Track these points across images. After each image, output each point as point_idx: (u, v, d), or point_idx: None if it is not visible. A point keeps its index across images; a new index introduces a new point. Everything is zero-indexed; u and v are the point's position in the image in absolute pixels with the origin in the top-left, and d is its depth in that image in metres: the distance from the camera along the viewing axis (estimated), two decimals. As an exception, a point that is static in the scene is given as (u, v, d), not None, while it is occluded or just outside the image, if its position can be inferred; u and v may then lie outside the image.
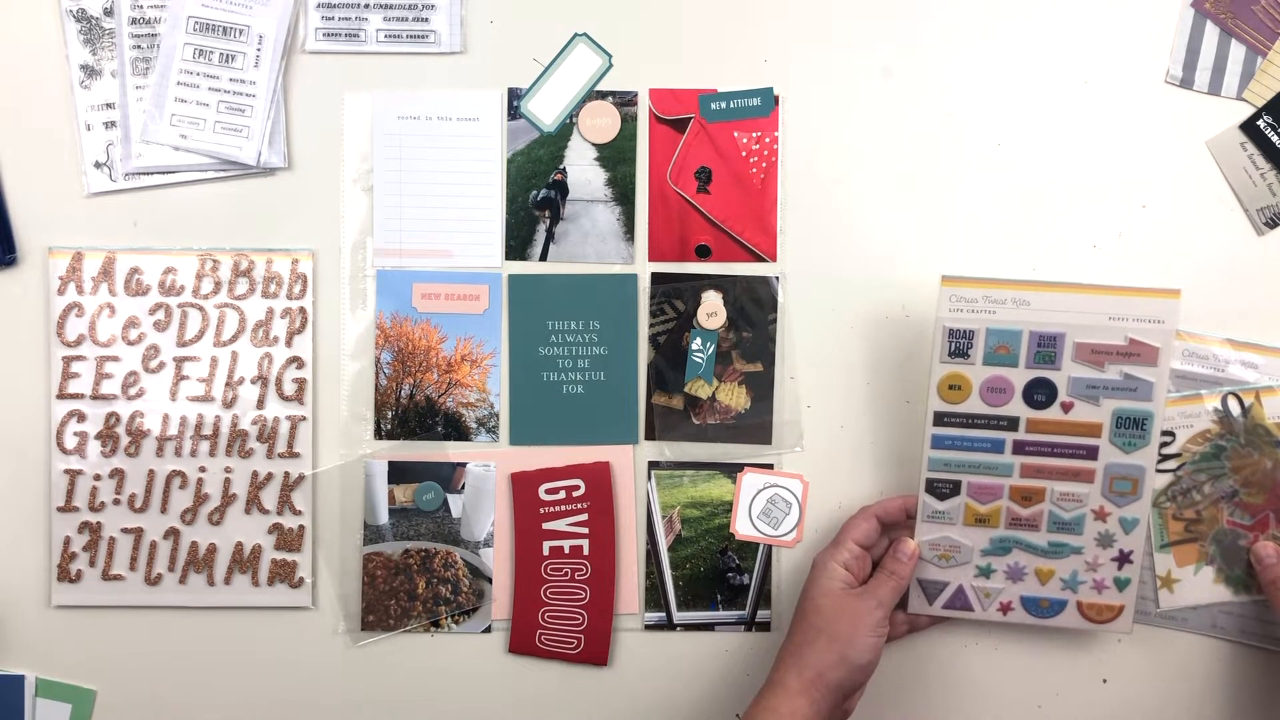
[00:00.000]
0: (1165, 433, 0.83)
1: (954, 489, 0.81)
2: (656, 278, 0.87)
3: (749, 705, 0.77)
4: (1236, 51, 0.85)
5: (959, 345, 0.79)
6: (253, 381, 0.86)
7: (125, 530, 0.86)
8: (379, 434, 0.87)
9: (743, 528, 0.88)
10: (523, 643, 0.87)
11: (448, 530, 0.87)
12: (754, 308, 0.87)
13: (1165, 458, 0.84)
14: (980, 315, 0.79)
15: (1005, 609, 0.82)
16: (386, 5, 0.85)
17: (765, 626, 0.88)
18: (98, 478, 0.86)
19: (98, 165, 0.85)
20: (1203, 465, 0.83)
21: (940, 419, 0.80)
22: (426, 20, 0.85)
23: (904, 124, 0.86)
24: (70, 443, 0.85)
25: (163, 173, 0.85)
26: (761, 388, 0.87)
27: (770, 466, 0.88)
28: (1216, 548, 0.84)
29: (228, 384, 0.86)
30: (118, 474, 0.86)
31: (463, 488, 0.87)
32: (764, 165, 0.86)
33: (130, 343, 0.85)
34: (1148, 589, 0.85)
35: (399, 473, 0.87)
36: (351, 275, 0.86)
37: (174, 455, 0.86)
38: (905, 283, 0.86)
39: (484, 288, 0.86)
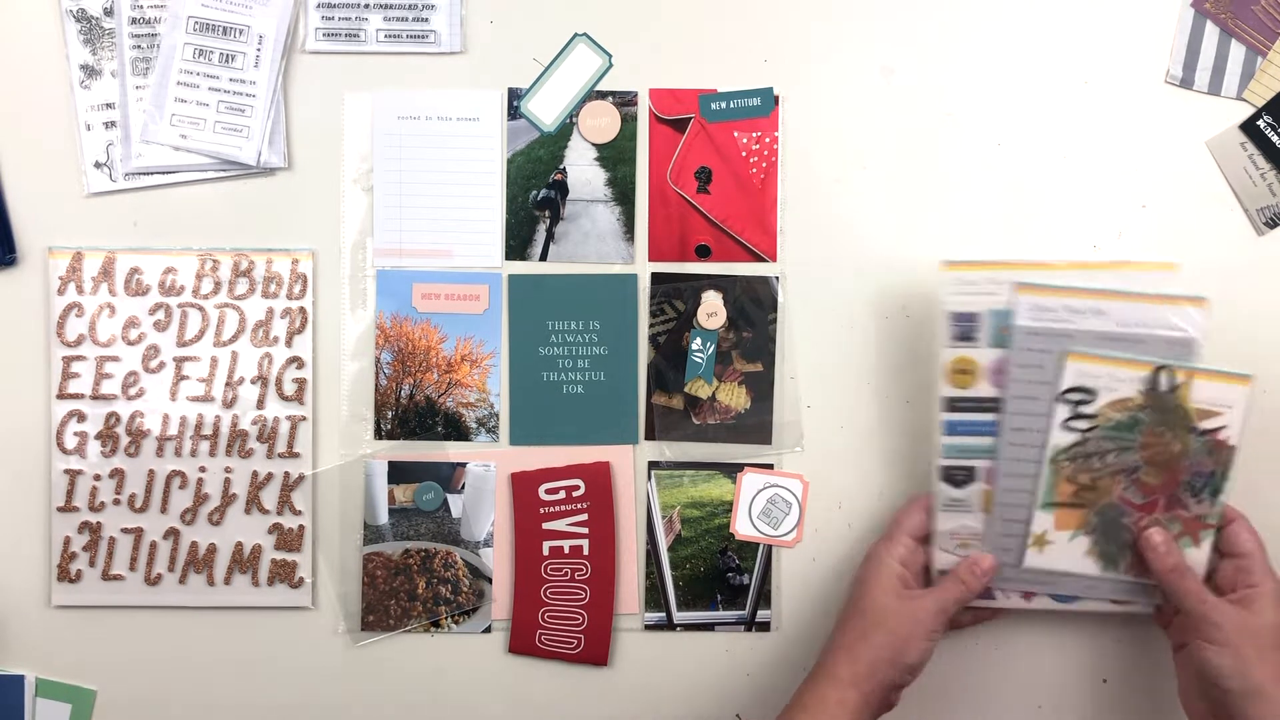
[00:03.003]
0: (1086, 390, 0.80)
1: (969, 475, 0.81)
2: (656, 278, 0.87)
3: (796, 691, 0.77)
4: (1236, 51, 0.85)
5: (964, 329, 0.79)
6: (253, 381, 0.86)
7: (125, 530, 0.86)
8: (379, 434, 0.87)
9: (743, 528, 0.88)
10: (523, 643, 0.87)
11: (448, 530, 0.87)
12: (754, 308, 0.87)
13: (1079, 416, 0.80)
14: (983, 298, 0.79)
15: (1028, 595, 0.82)
16: (386, 5, 0.85)
17: (765, 626, 0.88)
18: (98, 478, 0.86)
19: (98, 165, 0.85)
20: (1114, 434, 0.80)
21: (951, 404, 0.80)
22: (426, 20, 0.85)
23: (904, 124, 0.86)
24: (70, 443, 0.85)
25: (163, 173, 0.85)
26: (761, 388, 0.87)
27: (770, 466, 0.88)
28: (1099, 519, 0.81)
29: (228, 384, 0.86)
30: (118, 474, 0.86)
31: (463, 488, 0.87)
32: (764, 165, 0.86)
33: (130, 343, 0.85)
34: (1016, 542, 0.82)
35: (399, 473, 0.87)
36: (351, 275, 0.86)
37: (174, 455, 0.86)
38: (905, 283, 0.86)
39: (484, 288, 0.86)
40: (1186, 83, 0.85)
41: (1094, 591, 0.82)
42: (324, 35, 0.85)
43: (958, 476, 0.81)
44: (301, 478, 0.86)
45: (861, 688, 0.75)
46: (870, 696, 0.76)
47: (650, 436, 0.87)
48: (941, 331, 0.80)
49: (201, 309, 0.86)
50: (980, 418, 0.80)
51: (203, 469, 0.86)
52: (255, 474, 0.86)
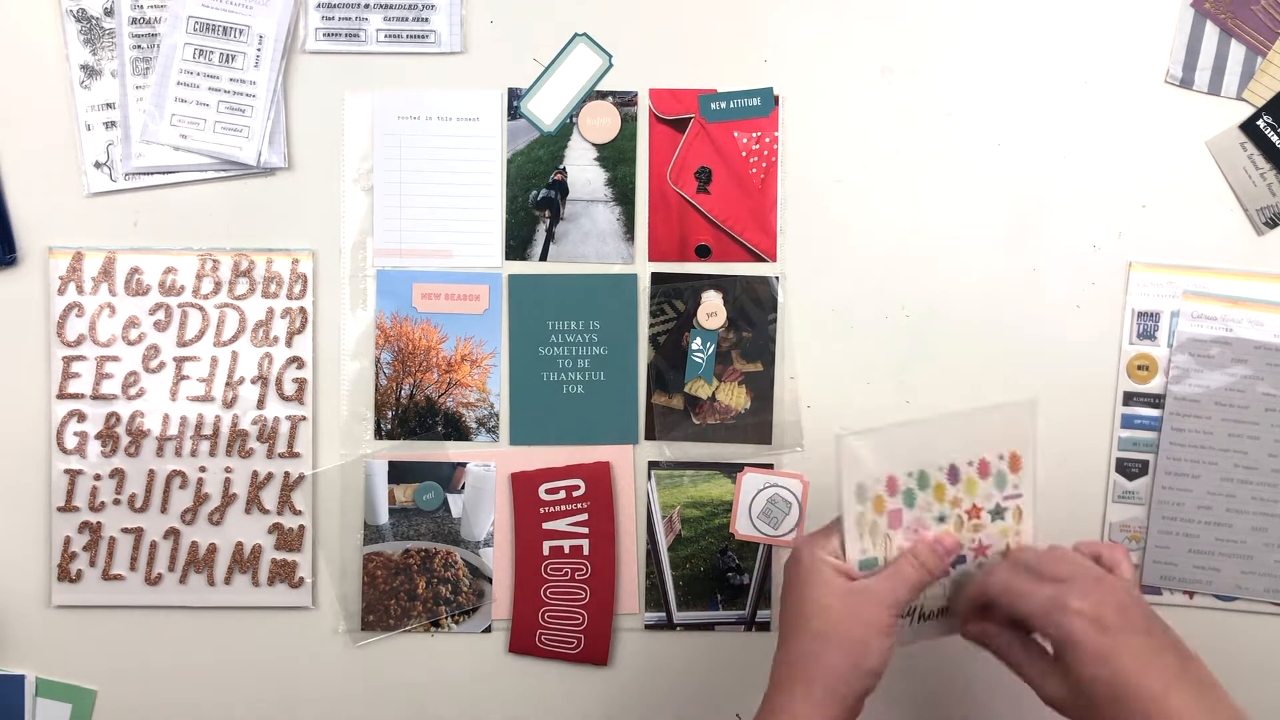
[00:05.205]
0: None
1: (1142, 469, 0.83)
2: (656, 278, 0.87)
3: None
4: (1236, 51, 0.85)
5: (1146, 327, 0.83)
6: (253, 381, 0.86)
7: (125, 530, 0.86)
8: (379, 434, 0.87)
9: (743, 528, 0.88)
10: (523, 643, 0.87)
11: (448, 530, 0.87)
12: (754, 308, 0.87)
13: None
14: (1166, 299, 0.84)
15: (1191, 594, 0.84)
16: (386, 5, 0.85)
17: (765, 626, 0.88)
18: (98, 478, 0.86)
19: (98, 165, 0.85)
20: None
21: (1129, 399, 0.84)
22: (426, 20, 0.85)
23: (904, 124, 0.86)
24: (70, 443, 0.85)
25: (163, 173, 0.85)
26: (761, 388, 0.87)
27: (770, 466, 0.88)
28: None
29: (228, 384, 0.86)
30: (118, 474, 0.86)
31: (463, 488, 0.87)
32: (764, 165, 0.86)
33: (130, 343, 0.85)
34: (1174, 539, 0.85)
35: (399, 473, 0.87)
36: (351, 275, 0.86)
37: (174, 455, 0.86)
38: (905, 283, 0.86)
39: (484, 288, 0.86)
40: (1186, 83, 0.85)
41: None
42: (324, 35, 0.85)
43: (1131, 469, 0.84)
44: (301, 478, 0.86)
45: (825, 714, 0.65)
46: (836, 718, 0.66)
47: (650, 436, 0.87)
48: (1125, 328, 0.84)
49: (201, 309, 0.86)
50: (1155, 413, 0.84)
51: (203, 469, 0.86)
52: (255, 474, 0.86)
